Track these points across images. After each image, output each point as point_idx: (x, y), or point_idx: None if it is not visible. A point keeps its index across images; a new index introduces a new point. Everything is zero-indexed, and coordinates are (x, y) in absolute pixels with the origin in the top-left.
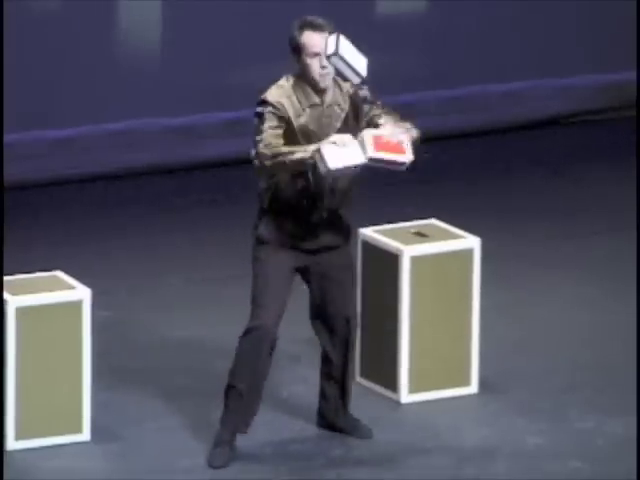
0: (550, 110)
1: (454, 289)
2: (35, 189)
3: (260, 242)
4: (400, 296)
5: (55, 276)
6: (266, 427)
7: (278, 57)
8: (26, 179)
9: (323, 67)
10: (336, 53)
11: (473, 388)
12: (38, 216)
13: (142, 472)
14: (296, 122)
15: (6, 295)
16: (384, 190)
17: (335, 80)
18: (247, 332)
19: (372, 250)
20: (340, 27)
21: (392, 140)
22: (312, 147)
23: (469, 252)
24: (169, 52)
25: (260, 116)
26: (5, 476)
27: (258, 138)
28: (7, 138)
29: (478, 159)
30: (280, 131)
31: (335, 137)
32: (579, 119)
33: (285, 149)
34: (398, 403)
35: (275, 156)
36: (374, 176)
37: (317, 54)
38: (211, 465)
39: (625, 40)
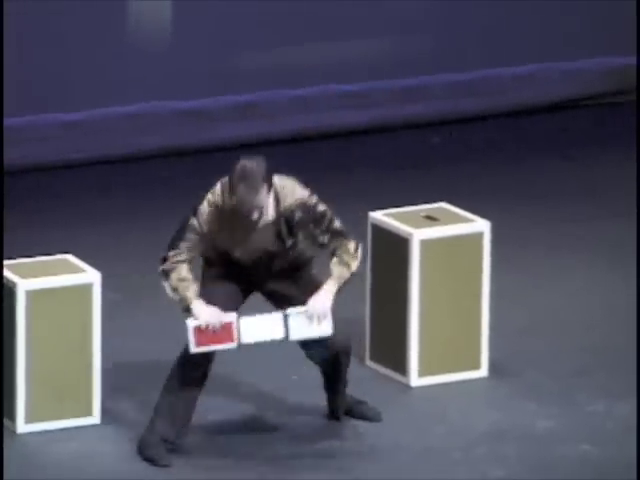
0: (561, 93)
1: (464, 272)
2: (46, 172)
3: (205, 262)
4: (410, 280)
5: (65, 259)
6: (275, 410)
7: (289, 40)
8: (37, 162)
9: (250, 219)
10: (287, 338)
11: (483, 372)
12: (49, 199)
13: None
14: (218, 239)
15: (16, 278)
16: (394, 174)
17: (277, 195)
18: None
19: (382, 234)
20: (350, 11)
21: (217, 327)
22: (194, 304)
23: (479, 236)
24: (180, 35)
25: (184, 224)
26: (15, 459)
27: (172, 244)
28: (18, 121)
29: (488, 143)
30: (195, 244)
31: (209, 315)
32: (590, 102)
33: (174, 279)
34: (408, 386)
35: (166, 278)
36: (383, 159)
37: (248, 213)
38: (156, 463)
39: (635, 23)
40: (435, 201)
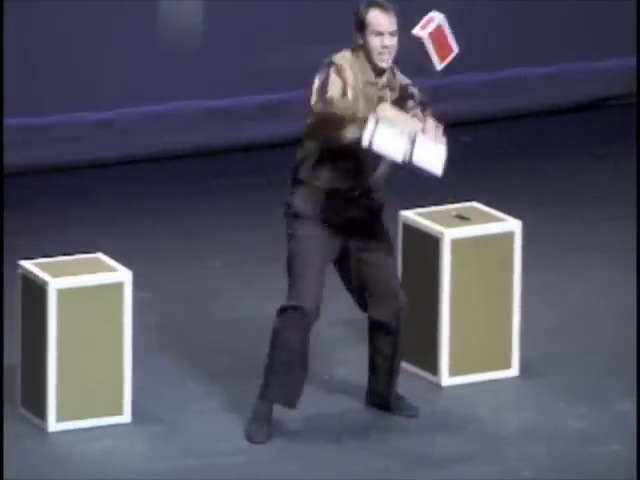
0: (589, 93)
1: (495, 272)
2: (76, 171)
3: (295, 217)
4: (441, 279)
5: (96, 258)
6: (305, 408)
7: (318, 40)
8: (68, 161)
9: (384, 47)
10: (409, 162)
11: (514, 371)
12: (79, 198)
13: (183, 454)
14: (350, 94)
15: (48, 277)
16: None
17: (392, 67)
18: (284, 311)
19: (413, 233)
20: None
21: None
22: (378, 109)
23: (510, 235)
24: (210, 34)
25: (327, 75)
26: (46, 458)
27: (323, 90)
28: (49, 120)
29: (518, 142)
30: (344, 86)
31: (394, 114)
32: (618, 101)
33: (348, 104)
34: (438, 386)
35: (335, 108)
36: None
37: (380, 33)
38: (251, 440)
39: None
40: (466, 200)
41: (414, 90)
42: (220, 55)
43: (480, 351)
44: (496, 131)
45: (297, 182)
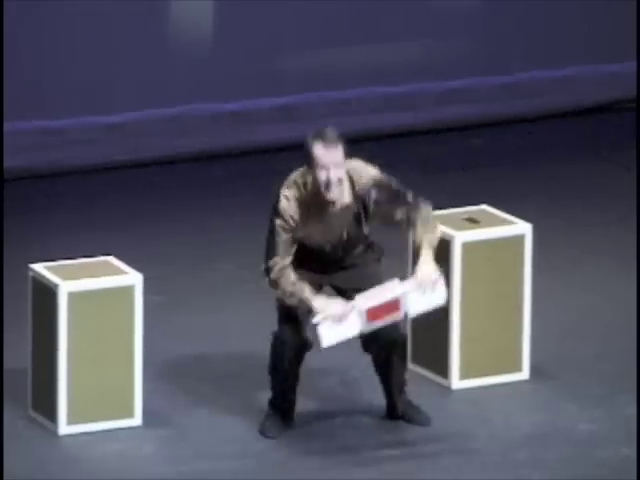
0: (600, 96)
1: (505, 275)
2: (88, 174)
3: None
4: (451, 282)
5: (107, 261)
6: (317, 414)
7: (331, 42)
8: (80, 164)
9: (329, 180)
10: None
11: (524, 374)
12: (91, 201)
13: (193, 457)
14: (303, 231)
15: (58, 280)
16: (435, 176)
17: (350, 177)
18: (274, 338)
19: None
20: (393, 13)
21: (386, 301)
22: (312, 301)
23: (520, 238)
24: (221, 37)
25: (271, 228)
26: (57, 461)
27: (269, 253)
28: (61, 123)
29: (529, 145)
30: (289, 243)
31: (333, 309)
32: (630, 105)
33: (286, 285)
34: (449, 389)
35: (277, 287)
36: (425, 161)
37: (325, 167)
38: (264, 434)
39: None
40: (477, 203)
41: (374, 194)
42: (231, 58)
43: (491, 354)
44: (506, 134)
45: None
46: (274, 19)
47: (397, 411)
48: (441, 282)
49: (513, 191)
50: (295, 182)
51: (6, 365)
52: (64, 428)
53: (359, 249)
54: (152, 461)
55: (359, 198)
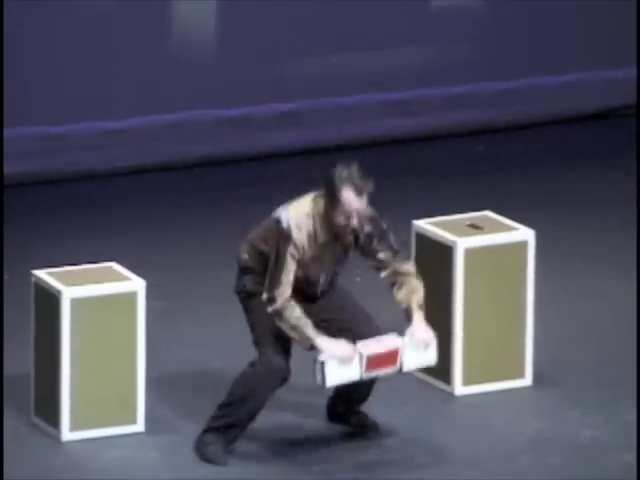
0: (601, 102)
1: (508, 281)
2: (90, 180)
3: (250, 295)
4: (454, 288)
5: (110, 267)
6: (314, 420)
7: (333, 49)
8: (82, 170)
9: (349, 226)
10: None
11: (527, 380)
12: (93, 207)
13: (195, 464)
14: (306, 256)
15: (61, 286)
16: (438, 182)
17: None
18: (256, 365)
19: (426, 242)
20: (395, 20)
21: (386, 351)
22: (318, 341)
23: (523, 244)
24: (224, 43)
25: (280, 256)
26: (60, 467)
27: (274, 282)
28: (63, 129)
29: (532, 151)
30: (294, 272)
31: (340, 351)
32: (630, 111)
33: (291, 318)
34: (452, 395)
35: (282, 318)
36: (427, 168)
37: (349, 215)
38: (214, 462)
39: None
40: (479, 209)
41: (368, 229)
42: (234, 64)
43: (493, 360)
44: (509, 140)
45: (243, 269)
46: (277, 26)
47: (351, 421)
48: (434, 344)
49: (515, 197)
50: (307, 213)
51: (9, 371)
52: (67, 434)
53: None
54: (154, 467)
55: (353, 231)
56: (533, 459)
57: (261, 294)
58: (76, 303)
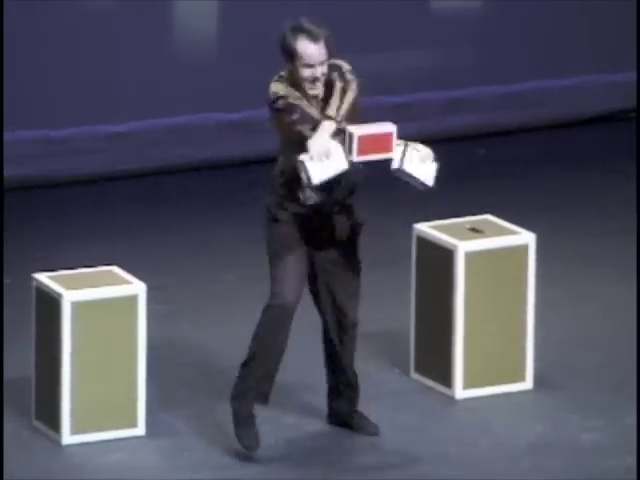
0: (605, 106)
1: (509, 285)
2: (91, 184)
3: (273, 220)
4: (455, 292)
5: (110, 271)
6: (312, 423)
7: (334, 51)
8: (84, 174)
9: (316, 78)
10: (399, 168)
11: (528, 384)
12: (94, 211)
13: (196, 467)
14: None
15: (62, 290)
16: (439, 185)
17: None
18: (269, 309)
19: (427, 246)
20: (397, 22)
21: (378, 133)
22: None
23: (524, 248)
24: (225, 47)
25: (285, 106)
26: (60, 470)
27: (294, 109)
28: (64, 133)
29: (533, 155)
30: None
31: (318, 146)
32: (630, 115)
33: (295, 115)
34: (452, 399)
35: (290, 111)
36: None
37: (311, 65)
38: (251, 449)
39: None
40: (480, 213)
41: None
42: (235, 68)
43: (494, 364)
44: (510, 144)
45: (275, 191)
46: (279, 28)
47: (351, 422)
48: (432, 159)
49: (516, 201)
50: (277, 82)
51: (10, 375)
52: (67, 438)
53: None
54: (155, 471)
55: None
56: (534, 462)
57: (283, 222)
58: (77, 307)
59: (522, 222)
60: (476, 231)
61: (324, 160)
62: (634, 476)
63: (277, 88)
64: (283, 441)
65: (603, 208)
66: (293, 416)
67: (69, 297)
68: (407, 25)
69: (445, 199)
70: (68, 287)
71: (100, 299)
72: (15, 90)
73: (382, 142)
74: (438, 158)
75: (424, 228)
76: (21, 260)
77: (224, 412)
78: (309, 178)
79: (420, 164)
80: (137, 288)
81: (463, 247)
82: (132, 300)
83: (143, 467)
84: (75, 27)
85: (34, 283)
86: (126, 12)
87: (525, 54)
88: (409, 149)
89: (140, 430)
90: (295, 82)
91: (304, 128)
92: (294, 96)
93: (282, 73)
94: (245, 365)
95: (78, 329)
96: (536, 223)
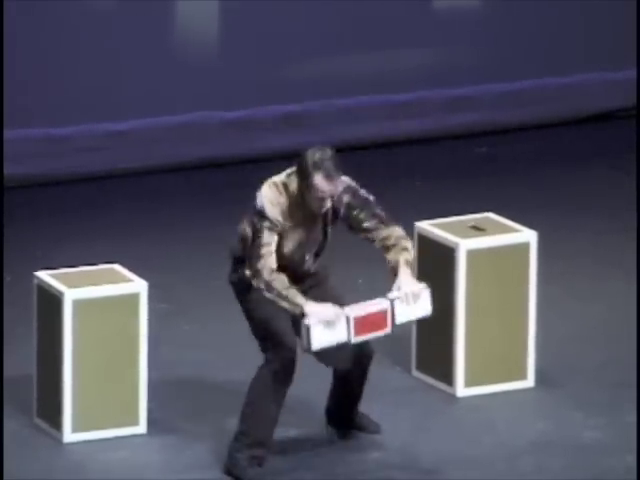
0: (605, 104)
1: (510, 282)
2: (93, 182)
3: (245, 284)
4: (456, 289)
5: (112, 269)
6: (314, 424)
7: (335, 50)
8: (85, 172)
9: (324, 207)
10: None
11: (529, 382)
12: (96, 209)
13: (197, 466)
14: (286, 229)
15: (63, 288)
16: (440, 183)
17: None
18: (273, 363)
19: (428, 243)
20: (398, 21)
21: (375, 314)
22: (305, 306)
23: (525, 246)
24: (226, 46)
25: (256, 230)
26: (62, 468)
27: (255, 254)
28: (66, 131)
29: (534, 153)
30: (275, 245)
31: (324, 312)
32: (630, 113)
33: (280, 288)
34: (454, 397)
35: (270, 289)
36: (430, 169)
37: (322, 199)
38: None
39: None
40: (482, 211)
41: (348, 199)
42: (236, 66)
43: (496, 362)
44: (511, 142)
45: (238, 259)
46: (279, 27)
47: (352, 422)
48: (426, 294)
49: (518, 199)
50: (280, 190)
51: (11, 372)
52: (69, 436)
53: (315, 265)
54: (157, 469)
55: (332, 208)
56: (535, 460)
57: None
58: (78, 305)
59: (523, 220)
60: (477, 229)
61: (328, 328)
62: (635, 474)
63: (268, 202)
64: (284, 440)
65: (604, 206)
66: (293, 416)
67: (70, 295)
68: (408, 24)
69: (446, 197)
70: (69, 285)
71: (101, 297)
72: (16, 88)
73: (378, 321)
74: (439, 156)
75: (425, 226)
76: (22, 258)
77: (225, 410)
78: (309, 343)
79: (413, 305)
80: (138, 286)
81: (464, 245)
82: (133, 298)
83: (144, 465)
84: (76, 26)
85: (35, 281)
86: (126, 12)
87: (525, 52)
88: (396, 303)
89: (141, 428)
90: (293, 192)
91: (263, 250)
92: (279, 223)
93: (283, 177)
94: (241, 434)
95: (79, 327)
96: (537, 221)
